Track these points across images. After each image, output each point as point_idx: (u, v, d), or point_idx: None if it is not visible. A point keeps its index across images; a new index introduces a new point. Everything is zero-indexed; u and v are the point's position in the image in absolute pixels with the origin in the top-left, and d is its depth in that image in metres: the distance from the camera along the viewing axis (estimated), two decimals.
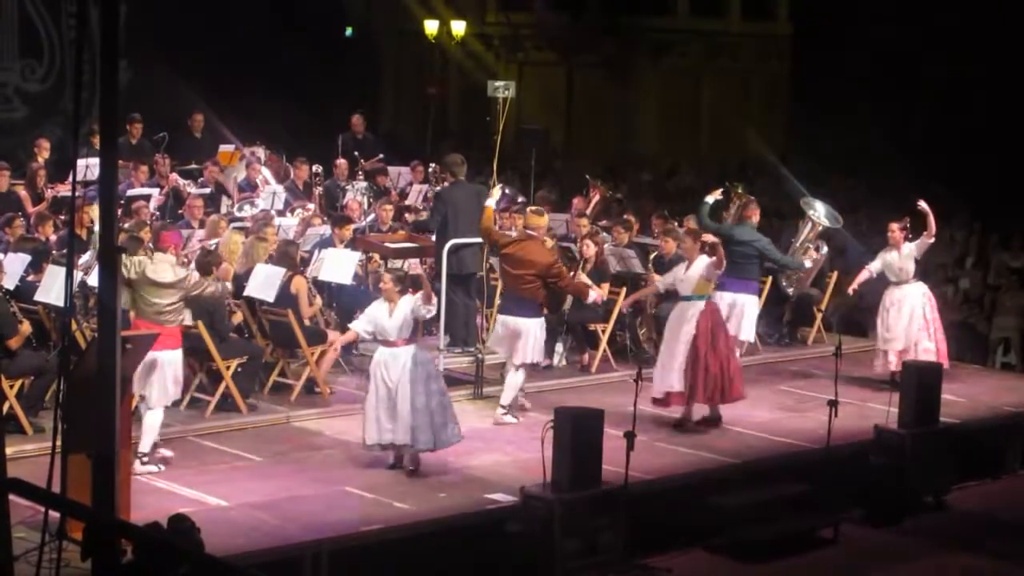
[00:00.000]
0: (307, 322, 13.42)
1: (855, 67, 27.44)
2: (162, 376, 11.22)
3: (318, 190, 18.09)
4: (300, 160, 18.43)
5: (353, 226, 15.25)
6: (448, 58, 29.17)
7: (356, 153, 19.61)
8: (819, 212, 15.81)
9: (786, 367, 15.62)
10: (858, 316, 17.49)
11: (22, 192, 16.66)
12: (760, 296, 15.03)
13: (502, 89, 16.51)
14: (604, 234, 15.87)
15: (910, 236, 14.61)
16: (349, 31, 29.08)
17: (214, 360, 12.63)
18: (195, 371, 12.91)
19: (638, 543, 10.94)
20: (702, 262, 12.89)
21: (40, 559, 7.79)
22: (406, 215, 17.11)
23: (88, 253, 13.12)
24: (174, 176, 17.52)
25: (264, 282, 13.22)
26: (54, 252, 13.66)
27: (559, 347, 14.82)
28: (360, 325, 11.69)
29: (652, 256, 15.46)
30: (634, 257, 15.25)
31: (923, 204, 14.55)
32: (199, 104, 19.76)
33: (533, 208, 14.23)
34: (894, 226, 14.64)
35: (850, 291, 15.19)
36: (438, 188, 16.05)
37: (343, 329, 13.13)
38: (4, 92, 23.26)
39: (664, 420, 13.06)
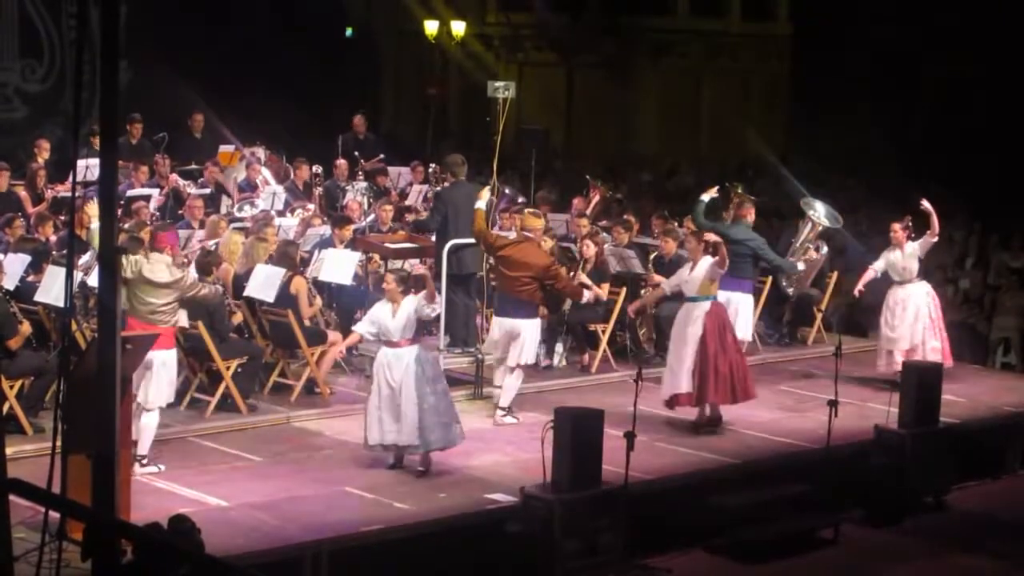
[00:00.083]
0: (307, 322, 13.41)
1: (855, 67, 27.41)
2: (157, 377, 11.22)
3: (318, 190, 18.09)
4: (300, 160, 18.43)
5: (353, 226, 15.24)
6: (448, 58, 29.17)
7: (356, 153, 19.62)
8: (819, 212, 15.81)
9: (786, 367, 15.61)
10: (858, 316, 17.49)
11: (22, 192, 16.66)
12: (755, 294, 15.02)
13: (502, 89, 16.53)
14: (604, 234, 15.86)
15: (913, 235, 14.60)
16: (349, 31, 29.08)
17: (214, 360, 12.63)
18: (195, 371, 12.91)
19: (638, 543, 10.93)
20: (706, 262, 12.85)
21: (40, 559, 7.77)
22: (406, 215, 17.10)
23: (88, 254, 13.12)
24: (174, 176, 17.52)
25: (264, 282, 13.22)
26: (54, 252, 13.65)
27: (559, 347, 14.81)
28: (363, 327, 11.68)
29: (652, 256, 15.46)
30: (634, 257, 15.24)
31: (926, 203, 14.56)
32: (199, 104, 19.75)
33: (530, 210, 14.24)
34: (896, 226, 14.61)
35: (856, 292, 15.10)
36: (438, 188, 16.04)
37: (343, 329, 13.12)
38: (4, 92, 23.25)
39: (664, 420, 13.05)
